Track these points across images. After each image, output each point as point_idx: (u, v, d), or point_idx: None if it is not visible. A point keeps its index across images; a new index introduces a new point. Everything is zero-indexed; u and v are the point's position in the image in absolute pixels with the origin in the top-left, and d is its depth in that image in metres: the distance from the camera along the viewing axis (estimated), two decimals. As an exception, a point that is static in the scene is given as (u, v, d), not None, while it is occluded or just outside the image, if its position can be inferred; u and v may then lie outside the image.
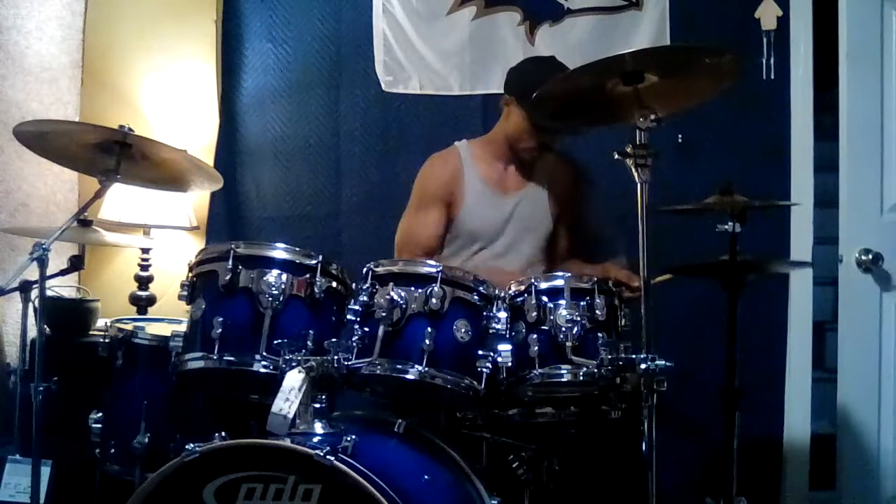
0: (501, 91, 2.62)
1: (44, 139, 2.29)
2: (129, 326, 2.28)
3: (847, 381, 2.77)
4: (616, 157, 1.84)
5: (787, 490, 2.99)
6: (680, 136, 2.68)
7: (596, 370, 1.94)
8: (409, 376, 1.90)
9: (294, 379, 1.81)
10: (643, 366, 1.77)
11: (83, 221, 2.58)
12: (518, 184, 2.59)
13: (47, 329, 2.55)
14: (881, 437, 2.75)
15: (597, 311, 2.02)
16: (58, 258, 2.18)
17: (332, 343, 1.89)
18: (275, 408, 1.77)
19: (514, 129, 2.52)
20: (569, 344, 1.98)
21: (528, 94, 2.35)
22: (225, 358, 1.93)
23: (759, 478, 2.92)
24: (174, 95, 3.27)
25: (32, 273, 2.06)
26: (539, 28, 3.12)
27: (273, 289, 1.94)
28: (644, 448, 1.77)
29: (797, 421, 3.00)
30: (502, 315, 1.97)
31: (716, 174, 2.78)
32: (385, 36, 3.15)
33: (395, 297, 1.91)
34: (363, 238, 3.12)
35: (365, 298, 1.94)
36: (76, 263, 2.30)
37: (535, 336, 2.02)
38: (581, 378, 1.99)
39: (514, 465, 2.18)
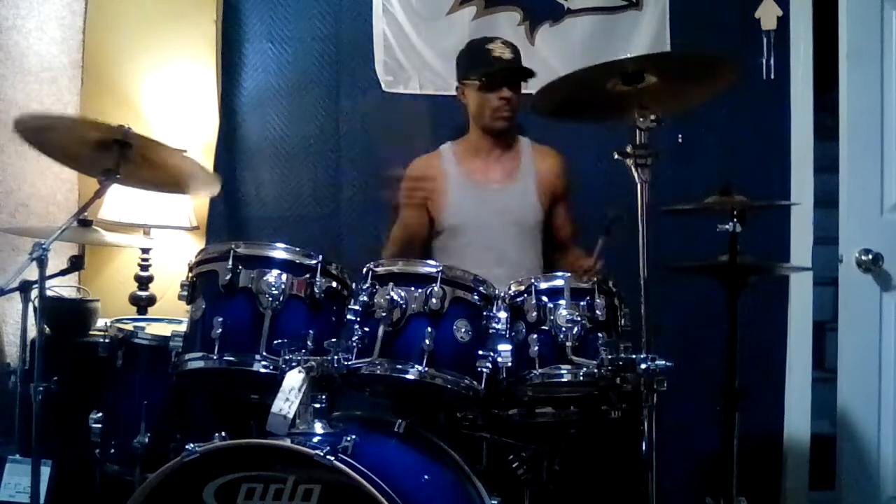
0: None
1: (43, 134, 2.28)
2: (129, 326, 2.28)
3: (847, 381, 2.76)
4: (616, 156, 1.84)
5: (787, 490, 2.99)
6: (680, 136, 2.68)
7: (596, 370, 1.94)
8: (409, 376, 1.90)
9: (294, 379, 1.81)
10: (643, 366, 1.77)
11: (83, 221, 2.57)
12: (503, 175, 2.60)
13: (47, 329, 2.55)
14: (881, 437, 2.74)
15: (597, 311, 2.02)
16: (58, 258, 2.18)
17: (332, 343, 1.89)
18: (275, 408, 1.77)
19: (476, 105, 2.56)
20: (569, 344, 1.97)
21: (474, 68, 2.51)
22: (225, 358, 1.93)
23: (759, 478, 2.92)
24: (174, 95, 3.26)
25: (32, 273, 2.05)
26: (539, 28, 3.11)
27: (273, 289, 1.94)
28: (644, 448, 1.76)
29: (797, 421, 3.01)
30: (502, 315, 1.97)
31: (716, 174, 2.80)
32: (385, 36, 3.15)
33: (395, 297, 1.91)
34: (363, 238, 3.12)
35: (365, 298, 1.94)
36: (76, 263, 2.30)
37: (535, 336, 2.02)
38: (581, 378, 1.98)
39: (514, 465, 2.18)
